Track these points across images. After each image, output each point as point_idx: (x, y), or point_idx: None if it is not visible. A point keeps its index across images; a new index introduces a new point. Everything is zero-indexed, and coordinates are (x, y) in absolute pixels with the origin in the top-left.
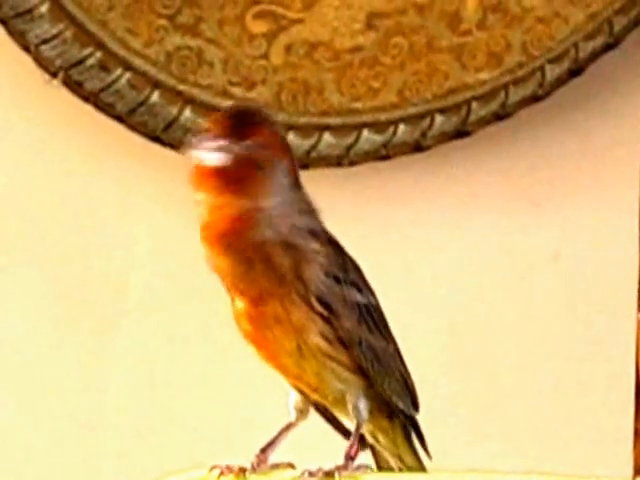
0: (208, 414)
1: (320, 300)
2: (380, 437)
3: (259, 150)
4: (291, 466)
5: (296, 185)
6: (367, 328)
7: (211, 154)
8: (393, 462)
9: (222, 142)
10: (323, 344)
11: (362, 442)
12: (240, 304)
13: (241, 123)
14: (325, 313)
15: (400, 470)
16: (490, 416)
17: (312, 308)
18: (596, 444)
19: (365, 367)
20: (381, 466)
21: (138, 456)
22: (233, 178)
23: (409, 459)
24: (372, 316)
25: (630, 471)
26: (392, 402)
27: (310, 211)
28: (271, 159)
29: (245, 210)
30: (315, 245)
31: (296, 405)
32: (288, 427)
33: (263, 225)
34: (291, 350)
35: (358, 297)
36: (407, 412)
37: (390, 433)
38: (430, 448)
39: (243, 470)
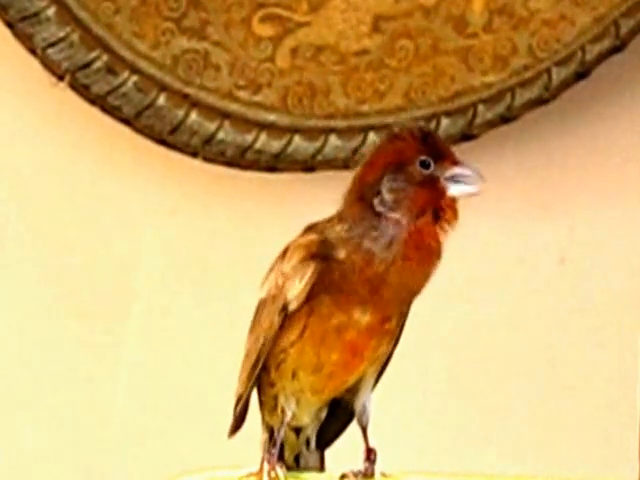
0: (213, 417)
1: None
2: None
3: None
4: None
5: None
6: None
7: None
8: (303, 462)
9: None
10: (389, 350)
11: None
12: (362, 317)
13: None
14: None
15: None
16: (495, 418)
17: (403, 321)
18: (601, 446)
19: (383, 371)
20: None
21: (143, 460)
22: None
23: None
24: None
25: (636, 473)
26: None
27: None
28: None
29: None
30: None
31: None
32: (282, 425)
33: None
34: (372, 356)
35: None
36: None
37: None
38: (435, 450)
39: None
